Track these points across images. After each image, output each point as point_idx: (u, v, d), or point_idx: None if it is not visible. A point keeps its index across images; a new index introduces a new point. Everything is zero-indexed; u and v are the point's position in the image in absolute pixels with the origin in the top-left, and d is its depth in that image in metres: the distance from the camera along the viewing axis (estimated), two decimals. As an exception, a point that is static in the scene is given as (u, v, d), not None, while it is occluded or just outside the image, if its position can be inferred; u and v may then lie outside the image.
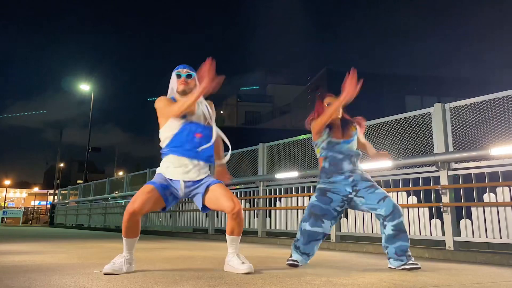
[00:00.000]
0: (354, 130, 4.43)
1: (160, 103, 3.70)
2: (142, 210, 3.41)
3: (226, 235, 3.61)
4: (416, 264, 3.94)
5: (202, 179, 3.63)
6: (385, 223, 4.06)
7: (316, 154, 4.49)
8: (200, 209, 3.68)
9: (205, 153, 3.66)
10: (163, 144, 3.74)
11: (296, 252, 4.23)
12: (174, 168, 3.62)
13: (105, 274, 3.27)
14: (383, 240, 4.11)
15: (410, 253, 4.01)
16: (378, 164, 6.83)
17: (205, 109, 3.81)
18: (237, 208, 3.44)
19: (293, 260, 4.18)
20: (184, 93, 3.71)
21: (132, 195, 14.77)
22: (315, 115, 4.54)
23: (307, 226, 4.18)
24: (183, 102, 3.53)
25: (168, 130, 3.68)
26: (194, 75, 3.78)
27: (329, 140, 4.34)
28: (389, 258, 4.08)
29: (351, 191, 4.17)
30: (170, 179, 3.62)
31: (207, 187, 3.58)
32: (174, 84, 3.81)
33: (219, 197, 3.50)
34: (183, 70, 3.76)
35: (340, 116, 4.45)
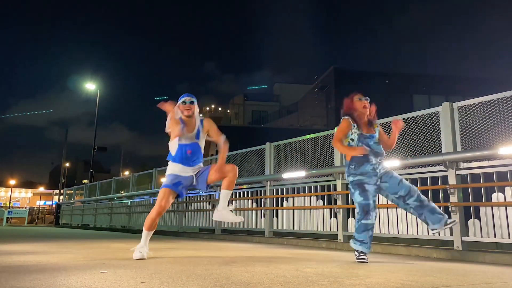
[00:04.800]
0: (376, 127, 5.09)
1: (171, 121, 4.83)
2: (166, 209, 4.87)
3: (222, 189, 4.88)
4: (454, 221, 4.77)
5: (201, 170, 4.97)
6: (407, 201, 4.80)
7: (343, 143, 5.04)
8: (201, 188, 5.00)
9: (196, 163, 4.98)
10: (171, 152, 5.00)
11: (359, 245, 4.94)
12: (180, 168, 4.91)
13: (137, 259, 4.66)
14: (415, 213, 4.86)
15: (442, 212, 4.79)
16: (385, 164, 6.79)
17: (199, 128, 5.00)
18: (235, 168, 4.85)
19: (362, 253, 4.95)
20: (189, 116, 4.90)
21: (138, 195, 14.72)
22: (344, 109, 5.14)
23: (363, 221, 4.87)
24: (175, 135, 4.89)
25: (172, 148, 4.98)
26: (195, 101, 4.98)
27: (359, 133, 4.96)
28: (428, 224, 4.83)
29: (378, 178, 4.89)
30: (183, 176, 4.89)
31: (208, 170, 4.91)
32: (181, 109, 4.91)
33: (219, 167, 4.85)
34: (187, 99, 4.93)
35: (367, 115, 5.07)
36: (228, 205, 4.91)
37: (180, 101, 4.94)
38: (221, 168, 4.84)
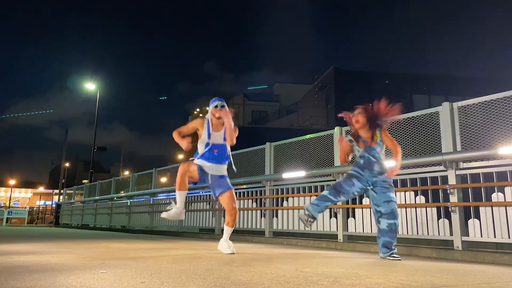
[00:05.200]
0: (378, 137, 5.40)
1: (198, 125, 5.73)
2: (191, 169, 5.50)
3: (225, 225, 5.75)
4: (397, 257, 5.14)
5: (222, 176, 5.68)
6: (380, 219, 5.30)
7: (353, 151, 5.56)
8: (212, 194, 5.76)
9: (223, 160, 5.73)
10: (199, 150, 5.72)
11: (311, 207, 5.47)
12: (207, 167, 5.63)
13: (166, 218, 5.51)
14: (378, 232, 5.36)
15: (394, 248, 5.24)
16: (386, 164, 6.80)
17: (226, 130, 5.64)
18: (235, 210, 5.63)
19: (311, 217, 5.48)
20: (219, 118, 5.64)
21: (138, 195, 14.74)
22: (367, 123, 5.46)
23: (325, 193, 5.46)
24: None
25: (200, 147, 5.71)
26: (225, 106, 5.69)
27: (358, 149, 5.48)
28: (379, 248, 5.36)
29: (370, 185, 5.37)
30: (206, 172, 5.60)
31: (223, 192, 5.60)
32: (213, 111, 5.67)
33: (226, 202, 5.61)
34: (219, 103, 5.67)
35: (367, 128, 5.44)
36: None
37: (212, 105, 5.69)
38: (231, 139, 5.64)
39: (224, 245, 5.62)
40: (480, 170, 5.99)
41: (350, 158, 5.69)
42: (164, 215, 5.54)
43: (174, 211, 5.49)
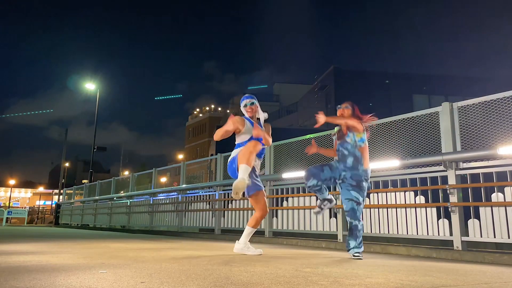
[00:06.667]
0: (347, 132, 5.46)
1: (239, 124, 5.36)
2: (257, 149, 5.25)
3: (247, 225, 5.48)
4: (357, 256, 5.24)
5: (256, 178, 5.40)
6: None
7: (363, 143, 5.42)
8: (247, 195, 5.39)
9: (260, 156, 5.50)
10: (238, 141, 5.47)
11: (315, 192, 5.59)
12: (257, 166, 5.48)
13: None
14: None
15: (356, 246, 5.29)
16: (385, 164, 6.82)
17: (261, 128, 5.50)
18: (262, 213, 5.40)
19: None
20: (252, 117, 5.49)
21: (138, 195, 14.70)
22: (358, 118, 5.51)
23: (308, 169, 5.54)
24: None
25: (241, 138, 5.43)
26: (255, 102, 5.51)
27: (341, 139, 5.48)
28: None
29: (339, 179, 5.39)
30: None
31: (253, 193, 5.32)
32: (244, 110, 5.52)
33: (255, 203, 5.41)
34: (248, 101, 5.49)
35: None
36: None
37: (242, 105, 5.52)
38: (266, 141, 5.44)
39: (246, 250, 5.44)
40: (480, 170, 5.99)
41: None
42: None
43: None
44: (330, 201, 5.62)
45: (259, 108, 5.56)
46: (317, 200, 5.53)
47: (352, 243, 5.27)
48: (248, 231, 5.45)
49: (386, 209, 7.05)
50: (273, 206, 9.51)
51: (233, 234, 10.55)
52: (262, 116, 5.56)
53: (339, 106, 5.55)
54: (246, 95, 5.57)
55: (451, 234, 6.12)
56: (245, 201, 10.34)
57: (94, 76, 37.13)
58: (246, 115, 5.51)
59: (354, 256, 5.24)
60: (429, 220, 6.44)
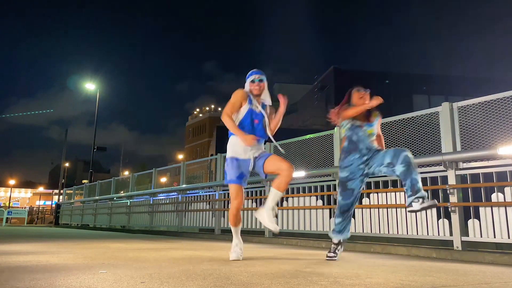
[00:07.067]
0: (375, 117, 5.04)
1: (243, 98, 4.76)
2: (243, 202, 4.83)
3: (271, 187, 4.61)
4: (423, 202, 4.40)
5: (261, 154, 4.76)
6: (394, 168, 4.56)
7: (341, 134, 4.98)
8: (263, 178, 4.88)
9: (258, 132, 4.77)
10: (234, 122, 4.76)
11: (334, 234, 5.09)
12: (242, 148, 4.70)
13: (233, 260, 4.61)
14: (401, 178, 4.63)
15: (418, 191, 4.48)
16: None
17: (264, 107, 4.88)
18: (291, 168, 4.51)
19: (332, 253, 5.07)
20: (258, 96, 4.82)
21: (138, 195, 14.70)
22: (343, 104, 5.12)
23: (337, 220, 5.05)
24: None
25: (236, 116, 4.77)
26: (264, 79, 4.85)
27: (352, 123, 4.93)
28: (407, 197, 4.58)
29: (364, 167, 4.83)
30: (242, 159, 4.72)
31: (266, 158, 4.65)
32: (249, 86, 4.84)
33: (276, 161, 4.60)
34: (257, 76, 4.80)
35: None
36: (273, 209, 4.71)
37: (249, 79, 4.85)
38: (277, 124, 4.96)
39: (267, 217, 4.70)
40: (479, 170, 5.99)
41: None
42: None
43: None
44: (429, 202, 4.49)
45: (266, 89, 4.92)
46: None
47: (417, 181, 4.61)
48: (233, 231, 4.97)
49: (386, 209, 7.05)
50: (273, 206, 9.49)
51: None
52: (269, 98, 4.96)
53: (358, 88, 5.08)
54: (255, 70, 4.89)
55: (451, 234, 6.12)
56: (245, 201, 10.34)
57: (94, 76, 37.21)
58: (253, 92, 4.82)
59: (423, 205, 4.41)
60: (429, 220, 6.43)
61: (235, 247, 4.81)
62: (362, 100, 4.93)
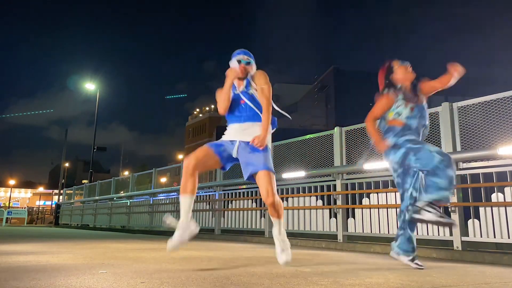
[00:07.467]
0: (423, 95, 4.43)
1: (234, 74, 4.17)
2: (197, 162, 3.93)
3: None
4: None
5: (255, 149, 4.00)
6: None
7: (388, 117, 4.43)
8: (243, 174, 4.11)
9: (247, 112, 4.16)
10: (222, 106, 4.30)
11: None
12: (232, 132, 4.16)
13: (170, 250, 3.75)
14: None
15: (433, 206, 4.19)
16: (385, 164, 6.81)
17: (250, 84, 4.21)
18: (269, 200, 3.94)
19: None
20: (242, 79, 4.20)
21: (138, 195, 14.73)
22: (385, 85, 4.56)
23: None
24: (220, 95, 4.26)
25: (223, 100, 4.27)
26: (252, 61, 4.23)
27: (404, 107, 4.34)
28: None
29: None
30: (230, 140, 4.12)
31: (256, 172, 3.97)
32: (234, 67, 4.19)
33: (261, 186, 3.94)
34: (243, 57, 4.19)
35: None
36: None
37: (234, 59, 4.22)
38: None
39: (278, 248, 4.38)
40: (480, 170, 5.99)
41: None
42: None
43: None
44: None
45: (252, 73, 4.27)
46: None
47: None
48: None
49: (386, 209, 7.05)
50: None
51: (234, 234, 10.55)
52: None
53: (402, 61, 4.52)
54: (242, 50, 4.28)
55: (451, 234, 6.12)
56: (245, 201, 10.34)
57: (94, 76, 37.21)
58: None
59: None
60: (429, 220, 6.43)
61: (177, 230, 3.84)
62: (411, 74, 4.44)
